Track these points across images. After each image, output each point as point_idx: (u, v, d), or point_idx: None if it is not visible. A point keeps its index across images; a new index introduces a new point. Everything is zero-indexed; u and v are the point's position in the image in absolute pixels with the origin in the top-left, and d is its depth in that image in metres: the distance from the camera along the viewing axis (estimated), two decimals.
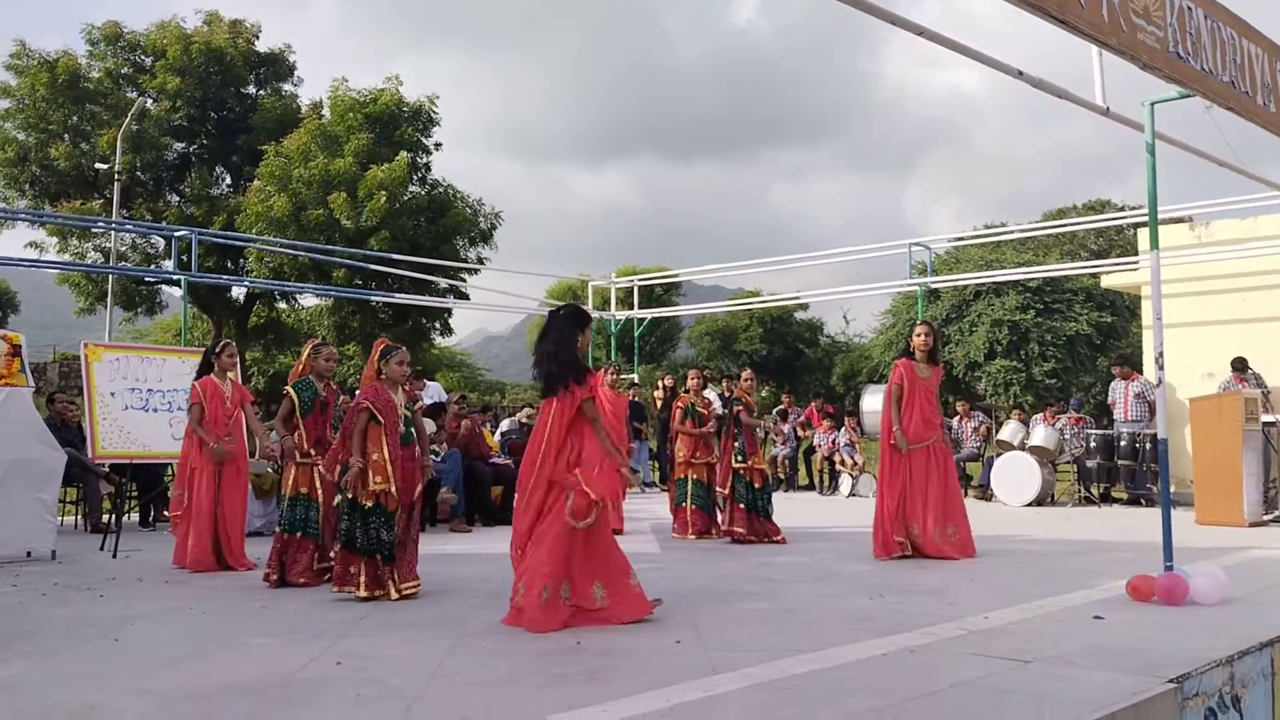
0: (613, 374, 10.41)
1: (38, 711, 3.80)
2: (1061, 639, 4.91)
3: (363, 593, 6.21)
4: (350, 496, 6.27)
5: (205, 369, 7.98)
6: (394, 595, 6.22)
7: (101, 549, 8.58)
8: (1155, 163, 6.29)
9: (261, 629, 5.47)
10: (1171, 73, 5.73)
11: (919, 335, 8.26)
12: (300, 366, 7.31)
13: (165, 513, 11.37)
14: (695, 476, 9.67)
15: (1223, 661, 4.50)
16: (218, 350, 8.08)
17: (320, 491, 7.00)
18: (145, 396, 9.35)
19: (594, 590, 5.47)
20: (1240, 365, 12.08)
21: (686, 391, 9.96)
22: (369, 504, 6.26)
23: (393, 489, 6.27)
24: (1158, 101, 6.23)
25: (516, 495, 5.83)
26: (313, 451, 7.04)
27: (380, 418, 6.30)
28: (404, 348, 6.76)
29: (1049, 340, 27.75)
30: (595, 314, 19.92)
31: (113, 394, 9.19)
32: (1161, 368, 6.24)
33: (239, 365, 28.00)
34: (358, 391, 6.73)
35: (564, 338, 5.70)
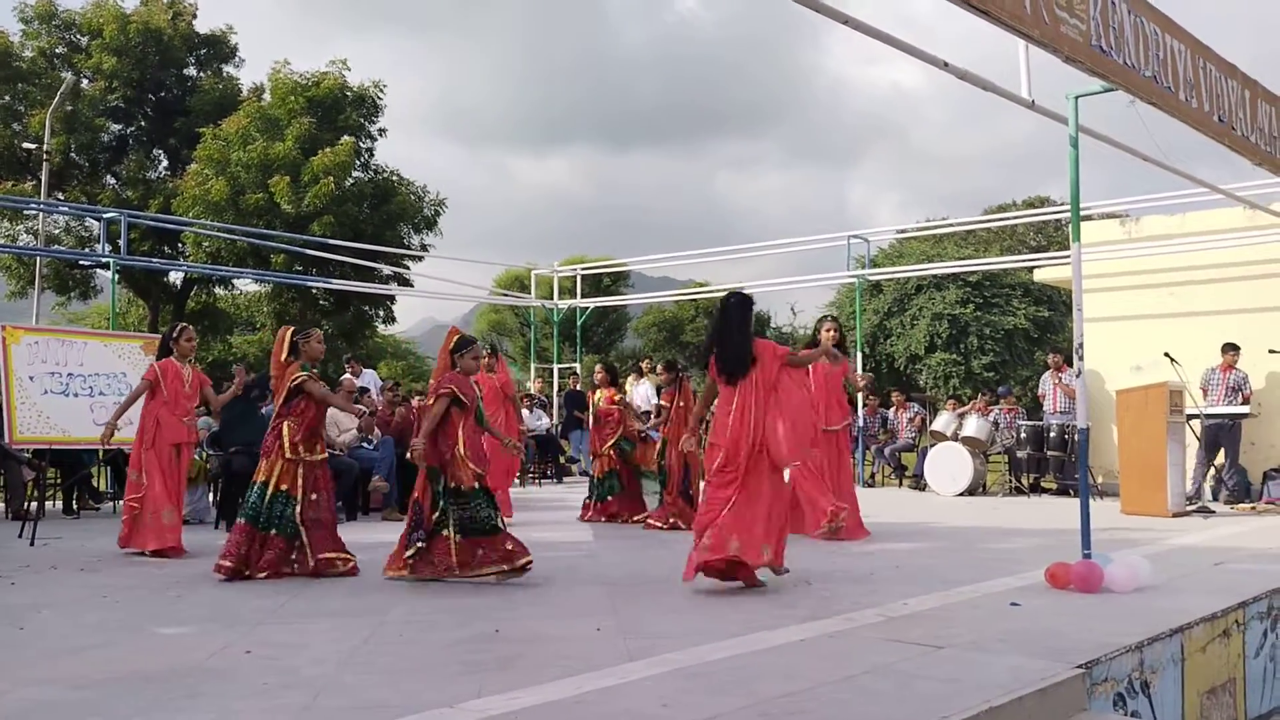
0: (488, 358, 10.51)
1: None
2: (976, 625, 4.97)
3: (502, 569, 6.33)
4: (451, 484, 6.37)
5: (165, 352, 7.81)
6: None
7: (20, 536, 8.36)
8: (1078, 156, 6.36)
9: (175, 617, 5.37)
10: (1094, 66, 5.80)
11: (828, 331, 8.79)
12: (283, 352, 6.86)
13: (90, 501, 11.14)
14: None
15: (1133, 647, 4.58)
16: (175, 334, 7.87)
17: (300, 489, 6.69)
18: (65, 381, 9.09)
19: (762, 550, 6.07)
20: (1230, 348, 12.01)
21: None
22: (474, 486, 6.38)
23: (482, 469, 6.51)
24: (1081, 95, 6.31)
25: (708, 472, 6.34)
26: (300, 446, 6.72)
27: (465, 403, 6.47)
28: (478, 342, 6.91)
29: (988, 334, 28.13)
30: (538, 302, 19.80)
31: (31, 378, 8.91)
32: (1081, 358, 6.33)
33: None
34: (430, 380, 6.85)
35: (747, 327, 6.27)
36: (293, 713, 3.55)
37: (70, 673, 4.12)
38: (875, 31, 5.43)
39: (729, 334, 6.24)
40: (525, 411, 14.05)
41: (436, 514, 6.41)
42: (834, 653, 4.44)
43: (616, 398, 10.49)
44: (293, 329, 7.01)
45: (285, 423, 6.71)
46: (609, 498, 10.27)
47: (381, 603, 5.74)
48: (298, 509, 6.66)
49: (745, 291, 6.42)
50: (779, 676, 3.99)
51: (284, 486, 6.65)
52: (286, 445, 6.67)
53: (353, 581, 6.51)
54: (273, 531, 6.60)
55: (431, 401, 6.58)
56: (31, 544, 8.00)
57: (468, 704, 3.62)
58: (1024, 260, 19.72)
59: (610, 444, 10.24)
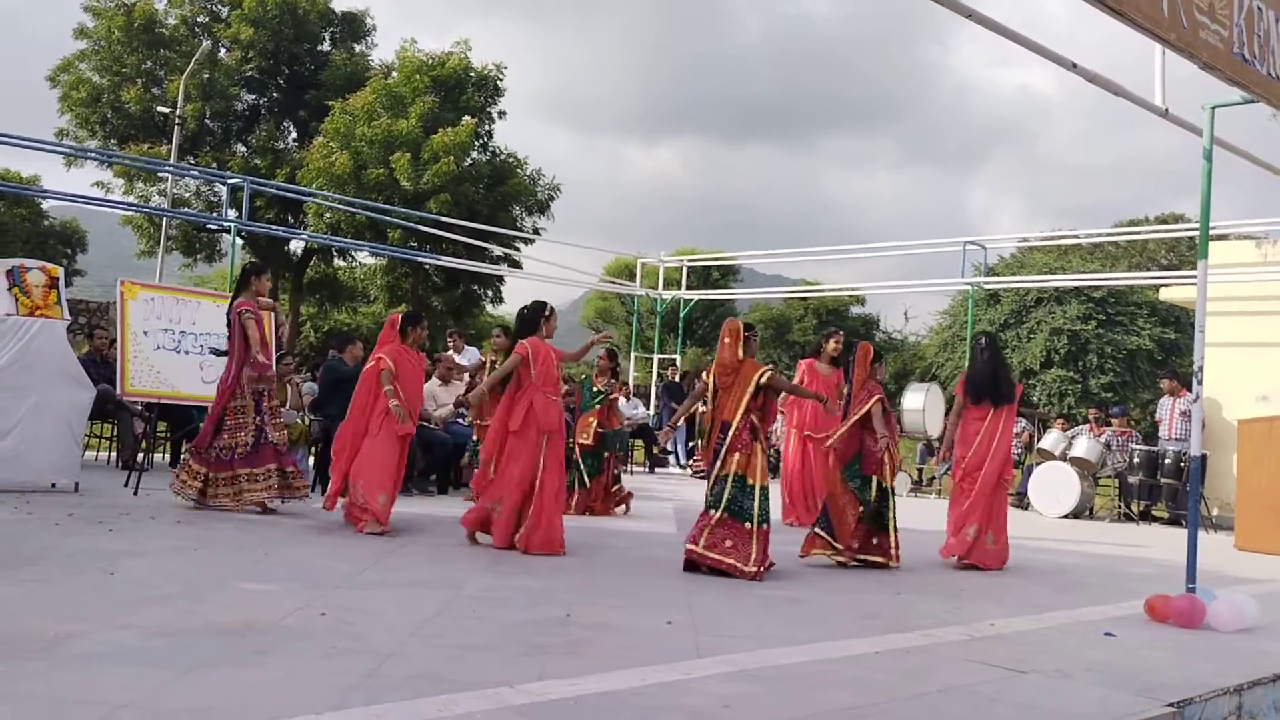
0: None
1: (14, 636, 3.81)
2: (1065, 652, 4.76)
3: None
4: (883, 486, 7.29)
5: (529, 330, 7.31)
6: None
7: (125, 485, 8.67)
8: (1211, 169, 6.03)
9: (260, 575, 5.47)
10: (1234, 75, 5.47)
11: (831, 342, 9.59)
12: (739, 348, 6.67)
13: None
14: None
15: (1231, 690, 4.31)
16: (547, 313, 7.36)
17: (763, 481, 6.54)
18: (178, 338, 9.35)
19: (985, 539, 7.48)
20: None
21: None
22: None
23: None
24: (1218, 106, 5.97)
25: (965, 483, 7.66)
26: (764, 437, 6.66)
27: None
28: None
29: (1109, 353, 27.04)
30: (643, 291, 19.79)
31: (145, 333, 9.19)
32: (1200, 381, 6.01)
33: (294, 319, 27.59)
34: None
35: (995, 359, 7.86)
36: (356, 677, 3.56)
37: (148, 620, 4.21)
38: (1001, 28, 5.20)
39: (983, 364, 7.75)
40: (622, 400, 13.89)
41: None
42: (910, 668, 4.28)
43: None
44: (744, 324, 6.82)
45: (753, 416, 6.52)
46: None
47: (458, 576, 5.76)
48: (755, 502, 6.43)
49: (991, 333, 7.53)
50: (848, 687, 3.86)
51: (751, 480, 6.44)
52: (760, 439, 6.53)
53: (431, 553, 6.55)
54: (747, 524, 6.38)
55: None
56: (135, 494, 8.28)
57: (527, 685, 3.59)
58: (1149, 278, 18.92)
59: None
